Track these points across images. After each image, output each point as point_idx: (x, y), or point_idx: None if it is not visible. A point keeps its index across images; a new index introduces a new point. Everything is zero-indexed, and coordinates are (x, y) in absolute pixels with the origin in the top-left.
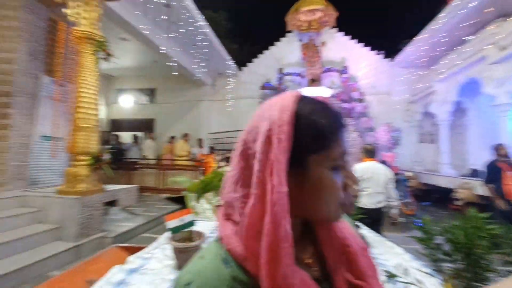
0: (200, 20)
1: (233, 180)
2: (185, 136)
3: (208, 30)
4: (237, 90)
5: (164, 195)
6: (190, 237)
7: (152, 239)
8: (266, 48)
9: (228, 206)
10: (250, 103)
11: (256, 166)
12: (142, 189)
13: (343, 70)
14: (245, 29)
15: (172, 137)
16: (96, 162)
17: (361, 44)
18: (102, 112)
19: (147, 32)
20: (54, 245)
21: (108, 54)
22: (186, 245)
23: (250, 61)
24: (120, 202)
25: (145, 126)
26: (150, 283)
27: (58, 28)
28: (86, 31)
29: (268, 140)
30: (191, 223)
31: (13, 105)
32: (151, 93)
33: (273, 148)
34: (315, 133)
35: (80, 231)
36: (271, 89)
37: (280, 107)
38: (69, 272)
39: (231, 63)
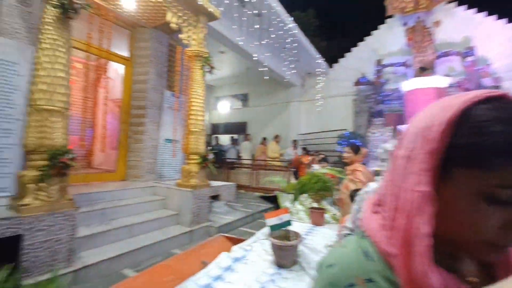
0: (289, 23)
1: (387, 176)
2: (276, 138)
3: (297, 31)
4: (328, 88)
5: (257, 194)
6: (287, 235)
7: (249, 233)
8: (360, 40)
9: (379, 200)
10: (342, 101)
11: (401, 162)
12: (238, 187)
13: (467, 52)
14: (335, 24)
15: (264, 139)
16: (203, 161)
17: (493, 17)
18: (205, 118)
19: (242, 43)
20: (174, 228)
21: (212, 67)
22: (284, 243)
23: (341, 57)
24: (221, 197)
25: (239, 129)
26: (252, 274)
27: (176, 51)
28: (195, 50)
29: (418, 138)
30: (288, 223)
31: (146, 116)
32: (244, 98)
33: (419, 146)
34: (475, 142)
35: (193, 219)
36: (368, 84)
37: (445, 105)
38: (187, 252)
39: (320, 61)
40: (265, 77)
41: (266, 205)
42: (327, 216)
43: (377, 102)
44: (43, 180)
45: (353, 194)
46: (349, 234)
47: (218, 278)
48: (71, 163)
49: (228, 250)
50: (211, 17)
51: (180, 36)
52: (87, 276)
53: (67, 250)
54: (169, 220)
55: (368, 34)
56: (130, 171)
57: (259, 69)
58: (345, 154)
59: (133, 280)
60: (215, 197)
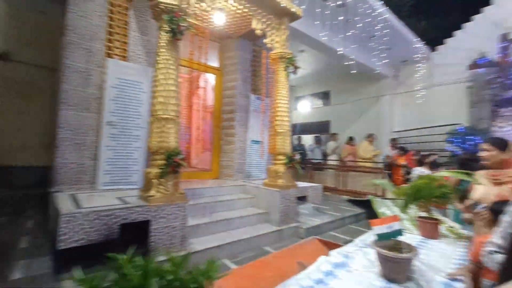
0: (379, 7)
1: None
2: (369, 137)
3: (388, 15)
4: (430, 76)
5: (345, 197)
6: (397, 247)
7: (340, 238)
8: (475, 13)
9: None
10: (451, 90)
11: None
12: (323, 189)
13: None
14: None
15: (350, 138)
16: (290, 161)
17: None
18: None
19: (325, 38)
20: (264, 226)
21: (296, 67)
22: (396, 255)
23: (447, 37)
24: (308, 198)
25: (321, 128)
26: (359, 283)
27: (260, 56)
28: (278, 52)
29: None
30: (399, 232)
31: (235, 119)
32: (325, 96)
33: None
34: None
35: (281, 218)
36: (490, 66)
37: None
38: (283, 251)
39: (419, 45)
40: (351, 71)
41: (356, 209)
42: (440, 228)
43: (505, 88)
44: (163, 176)
45: (496, 207)
46: (496, 251)
47: (320, 281)
48: (182, 163)
49: (323, 253)
50: (294, 17)
51: (264, 41)
52: (195, 262)
53: (180, 236)
54: (258, 217)
55: (487, 4)
56: (222, 170)
57: (345, 63)
58: (484, 154)
59: (240, 271)
60: (301, 198)
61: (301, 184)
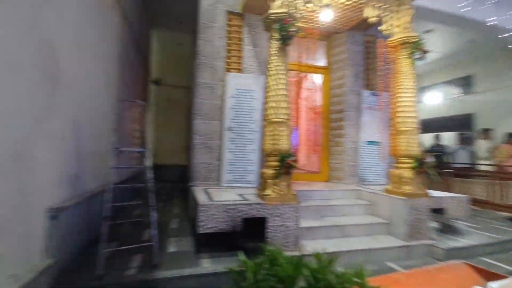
0: None
1: None
2: None
3: None
4: None
5: (505, 214)
6: None
7: (496, 267)
8: None
9: None
10: None
11: None
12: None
13: None
14: None
15: (510, 135)
16: (419, 165)
17: None
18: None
19: (467, 9)
20: (385, 238)
21: (425, 52)
22: None
23: None
24: (447, 211)
25: (459, 124)
26: None
27: (374, 46)
28: (400, 38)
29: None
30: None
31: (345, 118)
32: (465, 82)
33: None
34: None
35: (408, 232)
36: None
37: None
38: (417, 272)
39: None
40: (510, 46)
41: None
42: None
43: None
44: (277, 177)
45: None
46: None
47: None
48: (294, 164)
49: (476, 283)
50: None
51: (379, 28)
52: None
53: (294, 236)
54: (378, 228)
55: None
56: (332, 173)
57: (499, 36)
58: None
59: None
60: (437, 211)
61: (436, 193)
